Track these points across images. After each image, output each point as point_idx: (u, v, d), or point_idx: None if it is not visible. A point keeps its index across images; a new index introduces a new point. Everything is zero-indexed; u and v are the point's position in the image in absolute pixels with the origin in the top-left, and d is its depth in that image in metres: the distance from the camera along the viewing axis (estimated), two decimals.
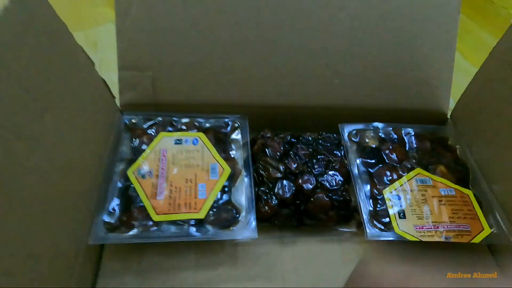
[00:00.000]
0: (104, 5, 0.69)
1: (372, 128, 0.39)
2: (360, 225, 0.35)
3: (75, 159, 0.27)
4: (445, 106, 0.41)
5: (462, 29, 0.80)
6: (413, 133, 0.40)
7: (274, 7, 0.36)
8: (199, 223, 0.31)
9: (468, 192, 0.35)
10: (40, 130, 0.22)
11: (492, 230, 0.33)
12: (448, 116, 0.42)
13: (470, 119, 0.39)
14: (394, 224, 0.32)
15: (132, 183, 0.31)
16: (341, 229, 0.35)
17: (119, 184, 0.31)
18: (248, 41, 0.37)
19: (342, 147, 0.38)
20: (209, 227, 0.31)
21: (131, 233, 0.29)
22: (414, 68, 0.40)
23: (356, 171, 0.36)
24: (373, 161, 0.37)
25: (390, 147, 0.38)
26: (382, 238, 0.32)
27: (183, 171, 0.33)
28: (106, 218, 0.29)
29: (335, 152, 0.37)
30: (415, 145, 0.39)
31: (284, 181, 0.34)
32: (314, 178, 0.34)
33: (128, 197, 0.31)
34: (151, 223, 0.29)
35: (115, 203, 0.30)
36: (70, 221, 0.26)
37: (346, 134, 0.39)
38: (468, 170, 0.37)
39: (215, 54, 0.37)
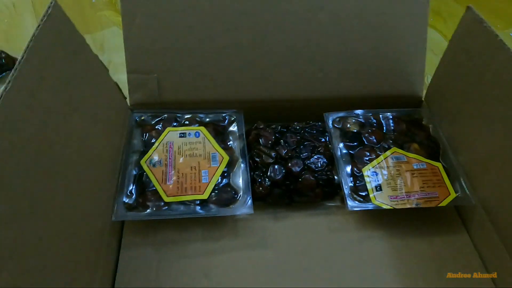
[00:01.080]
0: (108, 9, 0.74)
1: (353, 115, 0.44)
2: (343, 199, 0.40)
3: (96, 151, 0.32)
4: (419, 91, 0.46)
5: (446, 11, 0.82)
6: (390, 117, 0.44)
7: (262, 13, 0.41)
8: (203, 203, 0.36)
9: (438, 164, 0.40)
10: (71, 127, 0.28)
11: (457, 194, 0.38)
12: (423, 99, 0.47)
13: (439, 100, 0.44)
14: (371, 196, 0.37)
15: (145, 171, 0.37)
16: (327, 204, 0.40)
17: (134, 172, 0.37)
18: (240, 44, 0.41)
19: (326, 134, 0.43)
20: (212, 206, 0.36)
21: (146, 211, 0.34)
22: (390, 59, 0.44)
23: (339, 153, 0.41)
24: (354, 144, 0.42)
25: (369, 130, 0.42)
26: (360, 208, 0.37)
27: (188, 160, 0.39)
28: (125, 199, 0.35)
29: (320, 138, 0.42)
30: (392, 127, 0.43)
31: (276, 166, 0.39)
32: (301, 162, 0.40)
33: (142, 183, 0.36)
34: (162, 203, 0.35)
35: (131, 188, 0.36)
36: (96, 201, 0.31)
37: (330, 122, 0.43)
38: (439, 146, 0.42)
39: (212, 57, 0.42)
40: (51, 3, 0.28)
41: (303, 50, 0.43)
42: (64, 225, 0.25)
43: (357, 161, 0.40)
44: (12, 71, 0.22)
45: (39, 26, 0.26)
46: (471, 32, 0.36)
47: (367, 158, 0.40)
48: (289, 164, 0.39)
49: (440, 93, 0.43)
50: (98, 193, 0.32)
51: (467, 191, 0.38)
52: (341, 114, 0.44)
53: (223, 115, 0.44)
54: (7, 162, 0.21)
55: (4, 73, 0.53)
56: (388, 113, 0.45)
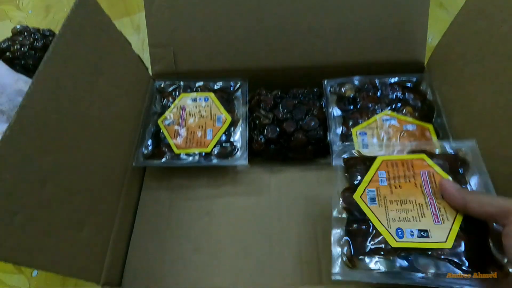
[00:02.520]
0: None
1: (351, 80, 0.47)
2: None
3: (121, 110, 0.40)
4: (421, 57, 0.47)
5: None
6: (387, 82, 0.46)
7: None
8: (207, 155, 0.43)
9: (429, 125, 0.42)
10: (97, 88, 0.36)
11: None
12: (425, 65, 0.47)
13: (441, 64, 0.44)
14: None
15: (161, 129, 0.45)
16: (319, 161, 0.45)
17: (152, 129, 0.45)
18: (244, 19, 0.46)
19: (323, 99, 0.46)
20: (213, 157, 0.43)
21: (160, 161, 0.42)
22: (391, 25, 0.45)
23: (332, 116, 0.44)
24: (349, 107, 0.45)
25: (364, 95, 0.45)
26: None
27: (196, 121, 0.45)
28: (144, 150, 0.43)
29: (316, 102, 0.46)
30: (387, 92, 0.45)
31: (272, 126, 0.44)
32: (295, 122, 0.44)
33: (158, 138, 0.44)
34: (173, 154, 0.43)
35: (149, 141, 0.44)
36: (120, 149, 0.40)
37: (328, 88, 0.47)
38: (433, 109, 0.43)
39: (220, 31, 0.47)
40: None
41: (301, 20, 0.46)
42: (92, 159, 0.34)
43: (348, 123, 0.43)
44: (51, 44, 0.30)
45: (72, 8, 0.33)
46: None
47: (359, 121, 0.43)
48: (284, 124, 0.44)
49: (445, 55, 0.43)
50: (122, 143, 0.40)
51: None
52: (339, 80, 0.47)
53: (231, 83, 0.49)
54: (50, 109, 0.29)
55: None
56: (386, 79, 0.46)
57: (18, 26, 0.63)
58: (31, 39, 0.61)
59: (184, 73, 0.50)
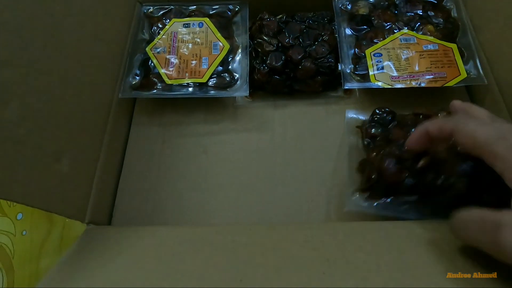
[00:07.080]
0: None
1: None
2: (346, 90, 0.39)
3: (103, 30, 0.35)
4: None
5: None
6: None
7: None
8: (202, 86, 0.38)
9: (452, 45, 0.36)
10: None
11: (469, 74, 0.35)
12: None
13: None
14: (371, 75, 0.36)
15: (150, 57, 0.39)
16: (329, 94, 0.40)
17: (140, 57, 0.39)
18: None
19: (334, 23, 0.40)
20: (210, 89, 0.38)
21: (149, 92, 0.37)
22: None
23: (343, 36, 0.39)
24: (362, 27, 0.39)
25: (380, 12, 0.39)
26: (357, 86, 0.36)
27: (190, 49, 0.40)
28: (131, 80, 0.38)
29: (327, 27, 0.40)
30: (406, 9, 0.39)
31: (276, 53, 0.39)
32: (302, 49, 0.39)
33: (147, 67, 0.39)
34: (164, 85, 0.38)
35: (137, 71, 0.39)
36: (102, 78, 0.35)
37: (339, 5, 0.41)
38: (457, 27, 0.38)
39: None
40: None
41: None
42: (68, 80, 0.29)
43: (361, 44, 0.38)
44: None
45: None
46: None
47: (373, 41, 0.38)
48: (290, 52, 0.38)
49: None
50: (105, 70, 0.35)
51: (480, 71, 0.35)
52: None
53: (228, 6, 0.43)
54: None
55: None
56: None
57: None
58: None
59: None
